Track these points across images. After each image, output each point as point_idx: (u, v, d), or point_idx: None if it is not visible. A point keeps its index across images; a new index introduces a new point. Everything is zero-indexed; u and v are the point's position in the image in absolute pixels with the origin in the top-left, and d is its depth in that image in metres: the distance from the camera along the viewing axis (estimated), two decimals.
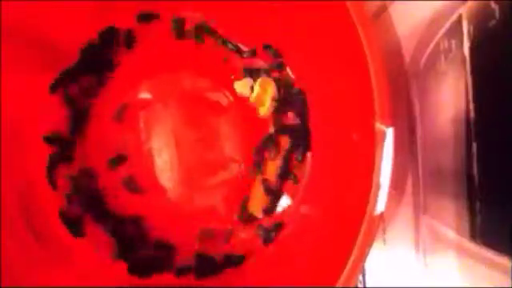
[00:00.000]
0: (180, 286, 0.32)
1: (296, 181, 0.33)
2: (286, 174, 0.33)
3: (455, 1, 0.23)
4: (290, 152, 0.33)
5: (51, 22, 0.30)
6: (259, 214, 0.33)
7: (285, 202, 0.33)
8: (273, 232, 0.32)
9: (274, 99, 0.33)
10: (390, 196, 0.23)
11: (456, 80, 0.23)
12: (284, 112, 0.33)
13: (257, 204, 0.33)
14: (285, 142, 0.33)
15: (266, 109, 0.33)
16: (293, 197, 0.33)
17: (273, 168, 0.33)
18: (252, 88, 0.33)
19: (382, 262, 0.31)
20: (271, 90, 0.33)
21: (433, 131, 0.26)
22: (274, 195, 0.33)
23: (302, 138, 0.32)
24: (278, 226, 0.32)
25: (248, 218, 0.33)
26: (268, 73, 0.33)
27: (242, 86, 0.33)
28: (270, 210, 0.33)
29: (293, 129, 0.33)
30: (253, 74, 0.33)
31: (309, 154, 0.32)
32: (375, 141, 0.23)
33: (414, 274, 0.28)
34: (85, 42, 0.32)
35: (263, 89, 0.33)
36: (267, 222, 0.33)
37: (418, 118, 0.28)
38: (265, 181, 0.33)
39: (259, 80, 0.33)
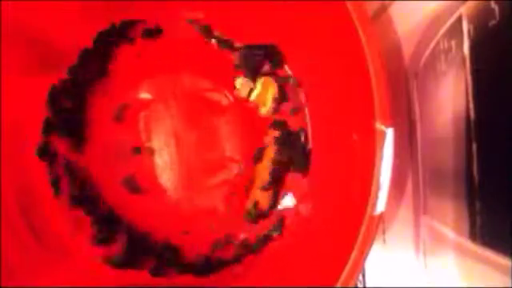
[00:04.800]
0: (180, 286, 0.32)
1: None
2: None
3: (455, 1, 0.23)
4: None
5: (51, 22, 0.30)
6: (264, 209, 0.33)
7: (286, 201, 0.33)
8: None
9: (275, 99, 0.33)
10: (389, 196, 0.23)
11: (456, 80, 0.23)
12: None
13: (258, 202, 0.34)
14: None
15: (267, 108, 0.33)
16: (293, 197, 0.33)
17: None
18: (251, 89, 0.33)
19: (382, 262, 0.31)
20: (272, 89, 0.33)
21: (433, 131, 0.26)
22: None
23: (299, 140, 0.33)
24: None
25: (253, 217, 0.33)
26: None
27: (241, 86, 0.33)
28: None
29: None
30: (254, 73, 0.33)
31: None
32: (375, 141, 0.23)
33: (413, 274, 0.28)
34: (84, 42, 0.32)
35: (265, 89, 0.33)
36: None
37: (418, 118, 0.28)
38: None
39: (261, 80, 0.33)
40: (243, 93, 0.33)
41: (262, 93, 0.33)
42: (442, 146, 0.25)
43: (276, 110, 0.33)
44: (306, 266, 0.28)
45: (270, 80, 0.33)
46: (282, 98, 0.33)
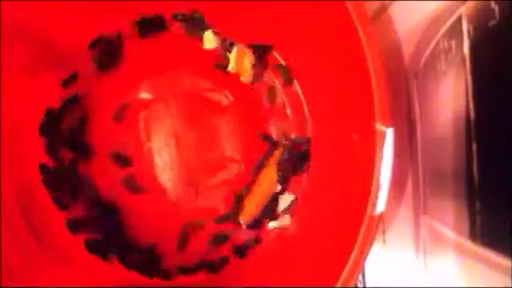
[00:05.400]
0: (180, 286, 0.32)
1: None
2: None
3: (455, 1, 0.23)
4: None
5: (51, 22, 0.30)
6: (245, 222, 0.33)
7: (285, 202, 0.33)
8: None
9: (253, 65, 0.33)
10: (389, 196, 0.23)
11: (456, 80, 0.23)
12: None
13: (248, 212, 0.34)
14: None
15: (248, 75, 0.33)
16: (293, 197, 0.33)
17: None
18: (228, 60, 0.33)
19: (382, 262, 0.31)
20: (248, 56, 0.33)
21: (433, 131, 0.26)
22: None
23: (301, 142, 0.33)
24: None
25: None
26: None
27: (208, 41, 0.33)
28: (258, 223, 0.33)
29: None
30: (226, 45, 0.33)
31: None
32: (375, 141, 0.23)
33: (413, 274, 0.28)
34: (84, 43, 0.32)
35: (240, 57, 0.33)
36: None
37: (418, 118, 0.28)
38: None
39: (235, 49, 0.33)
40: (211, 46, 0.33)
41: (238, 62, 0.33)
42: (442, 146, 0.25)
43: (257, 78, 0.33)
44: (306, 266, 0.28)
45: (243, 48, 0.33)
46: (260, 64, 0.33)
